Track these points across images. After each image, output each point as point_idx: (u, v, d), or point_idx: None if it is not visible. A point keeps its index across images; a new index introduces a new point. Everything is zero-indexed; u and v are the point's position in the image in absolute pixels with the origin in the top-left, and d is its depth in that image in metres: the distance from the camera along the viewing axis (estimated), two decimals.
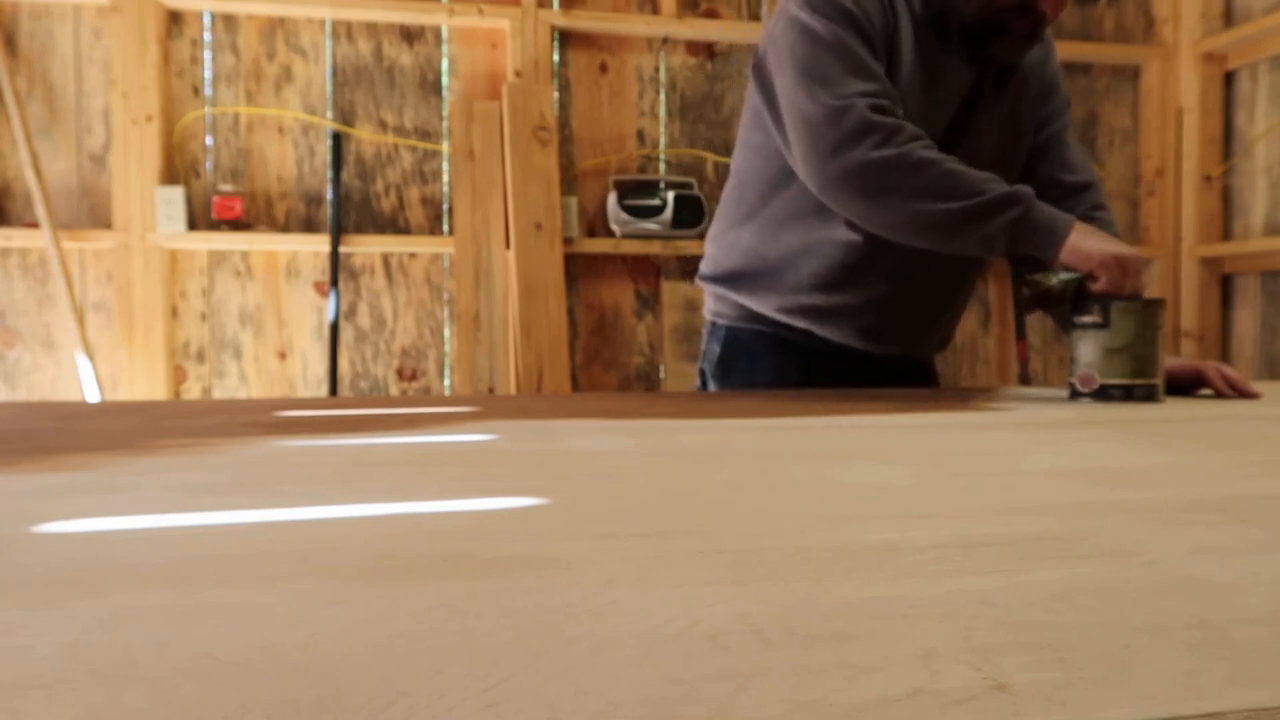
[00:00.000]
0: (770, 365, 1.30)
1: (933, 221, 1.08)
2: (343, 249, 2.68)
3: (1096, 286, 1.03)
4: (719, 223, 1.34)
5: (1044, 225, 1.04)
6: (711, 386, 1.36)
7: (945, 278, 1.30)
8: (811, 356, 1.29)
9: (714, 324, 1.38)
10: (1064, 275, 1.01)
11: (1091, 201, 1.28)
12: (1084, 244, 1.03)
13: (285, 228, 2.72)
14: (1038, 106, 1.27)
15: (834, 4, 1.12)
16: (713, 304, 1.37)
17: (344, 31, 2.75)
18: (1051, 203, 1.25)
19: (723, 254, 1.33)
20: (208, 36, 2.68)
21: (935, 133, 1.17)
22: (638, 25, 2.82)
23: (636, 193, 2.78)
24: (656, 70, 2.93)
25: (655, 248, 2.79)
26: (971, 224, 1.06)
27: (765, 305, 1.29)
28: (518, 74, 2.74)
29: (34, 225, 2.49)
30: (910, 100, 1.15)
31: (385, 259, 2.79)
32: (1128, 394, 1.04)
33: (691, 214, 2.78)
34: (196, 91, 2.68)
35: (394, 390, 2.80)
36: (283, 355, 2.74)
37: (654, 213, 2.77)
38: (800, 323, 1.27)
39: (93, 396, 2.50)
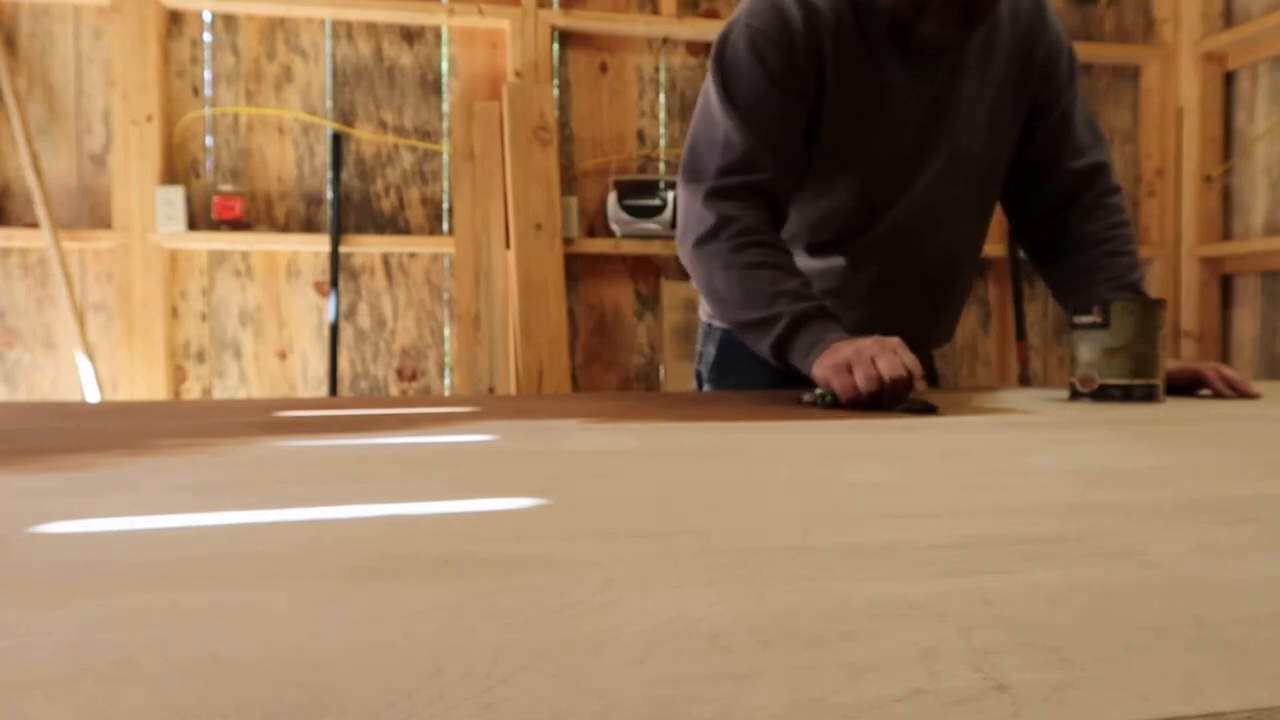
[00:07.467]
0: (765, 369, 1.30)
1: (729, 322, 1.16)
2: (343, 249, 2.68)
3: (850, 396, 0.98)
4: None
5: (801, 348, 1.05)
6: (708, 389, 1.36)
7: (933, 293, 1.29)
8: None
9: (710, 325, 1.37)
10: (819, 390, 0.99)
11: (1102, 186, 1.26)
12: (819, 369, 1.01)
13: (285, 228, 2.72)
14: (1029, 91, 1.22)
15: (737, 60, 1.11)
16: (707, 305, 1.37)
17: (344, 31, 2.75)
18: (1066, 194, 1.26)
19: None
20: (208, 36, 2.68)
21: (901, 147, 1.16)
22: (638, 25, 2.82)
23: (636, 193, 2.78)
24: (656, 70, 2.93)
25: (655, 248, 2.79)
26: (748, 335, 1.12)
27: None
28: (518, 74, 2.74)
29: (34, 225, 2.49)
30: (859, 126, 1.15)
31: (385, 259, 2.79)
32: (1128, 394, 1.04)
33: None
34: (196, 91, 2.68)
35: (394, 390, 2.80)
36: (283, 355, 2.74)
37: (654, 213, 2.77)
38: None
39: (93, 396, 2.50)
